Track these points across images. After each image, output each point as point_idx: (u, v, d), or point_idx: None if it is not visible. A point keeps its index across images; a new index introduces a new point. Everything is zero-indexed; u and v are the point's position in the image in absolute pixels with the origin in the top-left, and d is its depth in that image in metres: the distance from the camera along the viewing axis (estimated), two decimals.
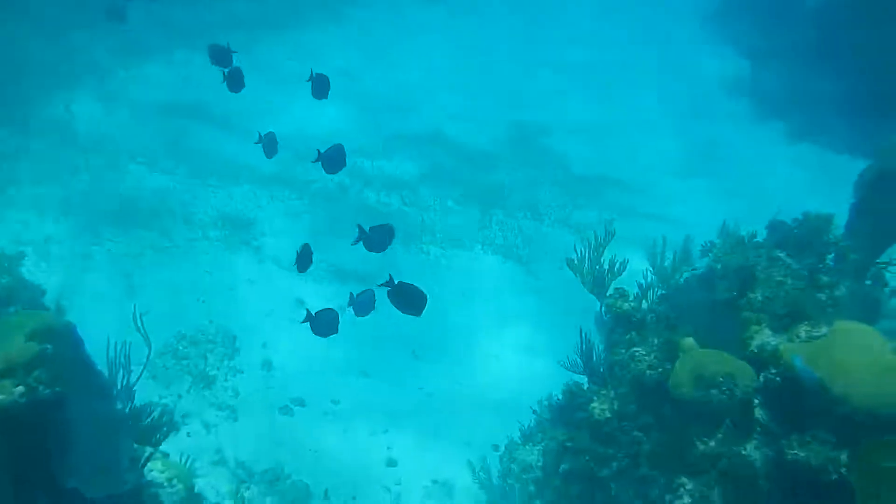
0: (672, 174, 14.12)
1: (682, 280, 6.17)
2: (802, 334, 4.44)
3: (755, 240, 6.43)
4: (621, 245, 11.62)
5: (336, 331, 5.06)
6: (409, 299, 4.74)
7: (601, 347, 5.40)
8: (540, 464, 5.98)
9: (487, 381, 8.62)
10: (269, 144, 6.09)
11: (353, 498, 6.63)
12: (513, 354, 9.06)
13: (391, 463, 7.15)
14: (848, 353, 4.15)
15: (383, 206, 11.69)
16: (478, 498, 6.72)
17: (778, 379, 4.31)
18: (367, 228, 5.10)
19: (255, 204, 11.26)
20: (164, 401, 7.18)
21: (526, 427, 6.92)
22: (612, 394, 4.99)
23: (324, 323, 5.10)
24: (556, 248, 11.11)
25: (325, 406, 7.77)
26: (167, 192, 11.04)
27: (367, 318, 5.39)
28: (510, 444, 6.95)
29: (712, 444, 4.40)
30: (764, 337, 4.63)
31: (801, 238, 5.78)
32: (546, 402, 7.06)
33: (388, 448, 7.32)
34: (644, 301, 5.57)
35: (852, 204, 6.18)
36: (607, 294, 5.44)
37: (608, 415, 4.89)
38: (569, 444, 5.09)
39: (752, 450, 4.35)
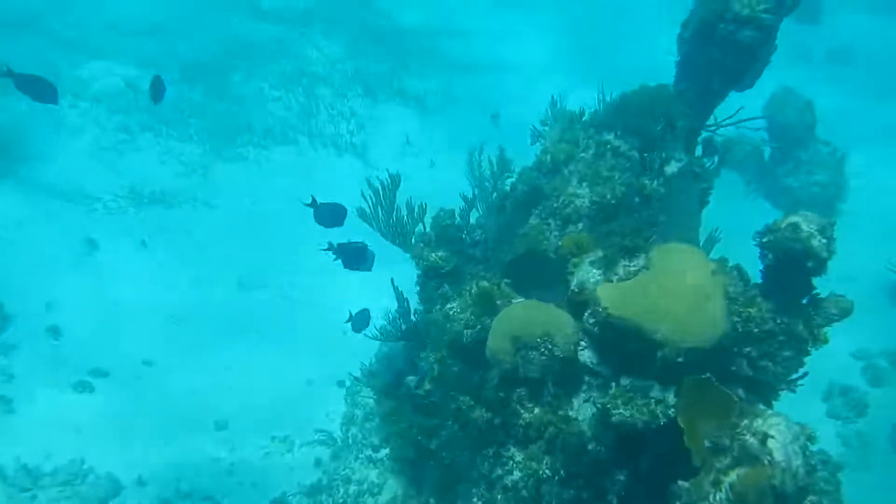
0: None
1: (507, 187, 5.36)
2: (621, 271, 3.82)
3: (584, 119, 5.69)
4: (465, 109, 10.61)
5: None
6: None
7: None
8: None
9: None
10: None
11: (178, 479, 5.82)
12: None
13: (221, 426, 6.31)
14: (666, 290, 3.63)
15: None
16: (322, 452, 6.12)
17: (596, 330, 3.74)
18: None
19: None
20: None
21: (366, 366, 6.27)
22: (431, 357, 4.29)
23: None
24: (393, 130, 9.95)
25: (135, 370, 6.65)
26: None
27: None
28: (353, 385, 6.33)
29: (537, 410, 3.84)
30: (583, 273, 3.96)
31: (632, 111, 5.11)
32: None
33: (217, 411, 6.44)
34: (464, 231, 4.72)
35: (677, 62, 5.41)
36: (412, 242, 4.55)
37: (427, 386, 4.22)
38: (393, 417, 4.45)
39: (579, 407, 3.85)
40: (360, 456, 5.57)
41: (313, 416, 6.40)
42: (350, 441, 5.84)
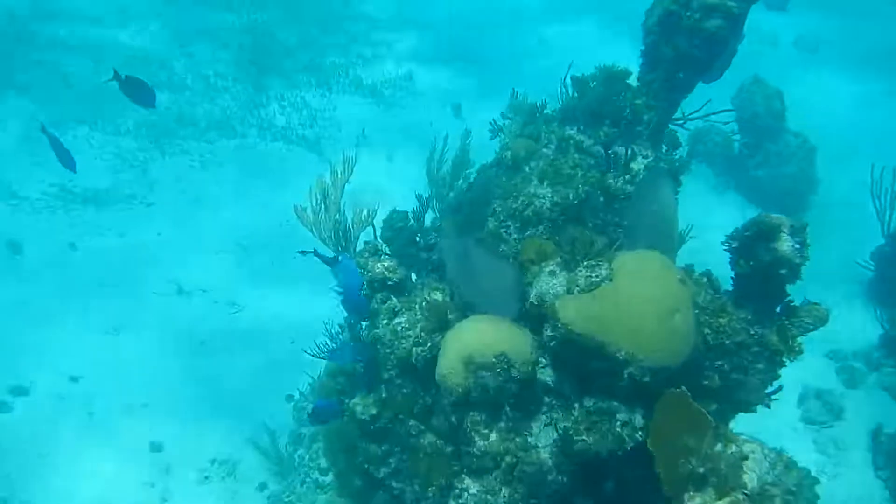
0: None
1: (464, 185, 4.95)
2: (582, 282, 3.42)
3: (546, 111, 5.29)
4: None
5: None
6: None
7: None
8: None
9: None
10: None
11: None
12: None
13: (156, 447, 5.78)
14: (631, 303, 3.26)
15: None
16: (267, 470, 5.63)
17: (555, 346, 3.35)
18: None
19: None
20: None
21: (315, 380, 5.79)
22: (378, 378, 3.85)
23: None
24: (349, 122, 9.43)
25: (58, 388, 6.06)
26: None
27: None
28: (298, 402, 5.86)
29: (493, 437, 3.45)
30: (543, 283, 3.56)
31: (595, 103, 4.73)
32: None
33: (151, 429, 5.90)
34: (417, 234, 4.29)
35: (641, 51, 5.04)
36: (356, 250, 4.10)
37: (373, 411, 3.79)
38: (338, 442, 4.01)
39: (539, 432, 3.47)
40: (307, 480, 5.11)
41: (258, 433, 5.90)
42: (296, 463, 5.37)
